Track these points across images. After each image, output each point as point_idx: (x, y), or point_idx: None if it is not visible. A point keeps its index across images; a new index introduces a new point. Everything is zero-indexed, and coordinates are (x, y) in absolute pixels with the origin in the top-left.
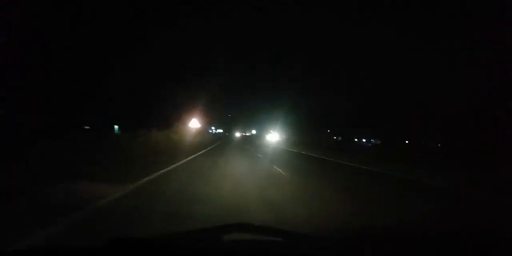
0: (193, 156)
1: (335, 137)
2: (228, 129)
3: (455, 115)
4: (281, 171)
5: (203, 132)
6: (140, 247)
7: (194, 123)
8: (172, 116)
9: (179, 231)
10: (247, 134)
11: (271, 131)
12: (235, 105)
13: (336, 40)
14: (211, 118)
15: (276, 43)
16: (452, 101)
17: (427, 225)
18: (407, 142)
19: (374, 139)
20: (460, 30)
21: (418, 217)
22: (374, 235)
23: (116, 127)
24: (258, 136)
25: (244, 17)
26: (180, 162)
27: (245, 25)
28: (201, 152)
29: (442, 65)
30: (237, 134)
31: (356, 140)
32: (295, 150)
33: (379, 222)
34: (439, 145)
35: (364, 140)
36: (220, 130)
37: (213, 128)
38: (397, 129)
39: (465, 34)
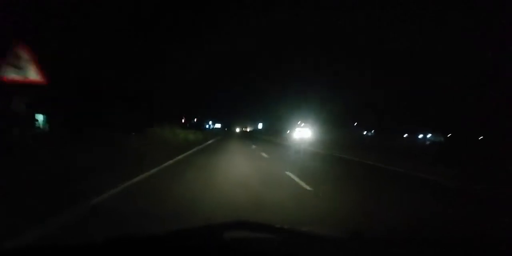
0: None
1: (365, 132)
2: (228, 124)
3: None
4: None
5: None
6: (138, 246)
7: None
8: None
9: (178, 229)
10: (248, 129)
11: (300, 122)
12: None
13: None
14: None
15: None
16: None
17: (429, 226)
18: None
19: (433, 135)
20: None
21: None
22: (375, 235)
23: (40, 117)
24: (267, 132)
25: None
26: None
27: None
28: None
29: None
30: (237, 130)
31: (405, 135)
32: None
33: (380, 222)
34: None
35: (420, 136)
36: (218, 125)
37: (210, 122)
38: (466, 121)
39: None
